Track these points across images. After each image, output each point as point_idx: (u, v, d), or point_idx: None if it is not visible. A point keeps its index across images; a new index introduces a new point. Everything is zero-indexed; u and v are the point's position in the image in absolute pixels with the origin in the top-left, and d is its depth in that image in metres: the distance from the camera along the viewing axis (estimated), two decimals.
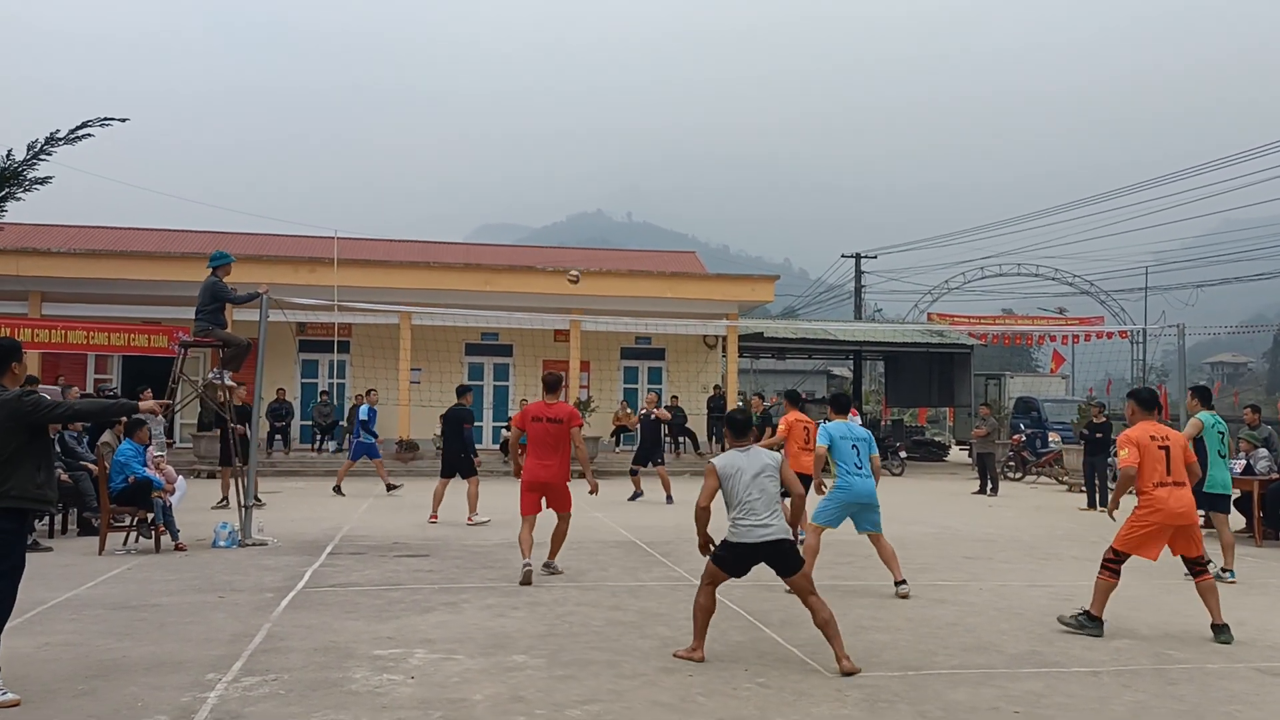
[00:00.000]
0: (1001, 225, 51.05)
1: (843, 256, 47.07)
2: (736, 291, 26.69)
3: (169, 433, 15.50)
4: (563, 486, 9.20)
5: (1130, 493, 7.33)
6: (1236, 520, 13.90)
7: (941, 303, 44.24)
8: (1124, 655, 6.61)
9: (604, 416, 25.66)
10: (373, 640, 6.68)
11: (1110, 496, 7.62)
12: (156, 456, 11.42)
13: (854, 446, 8.72)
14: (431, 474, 22.39)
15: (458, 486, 13.86)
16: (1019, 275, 44.83)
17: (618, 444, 25.66)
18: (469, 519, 13.24)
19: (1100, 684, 5.92)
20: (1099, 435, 17.46)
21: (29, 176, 17.06)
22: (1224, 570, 9.50)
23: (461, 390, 14.44)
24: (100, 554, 10.32)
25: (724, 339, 27.75)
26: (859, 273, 45.21)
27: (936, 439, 35.88)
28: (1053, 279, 44.54)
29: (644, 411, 17.91)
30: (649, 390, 23.81)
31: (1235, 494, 13.79)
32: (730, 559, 6.34)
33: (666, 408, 26.45)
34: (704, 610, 6.41)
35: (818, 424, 9.55)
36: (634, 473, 17.20)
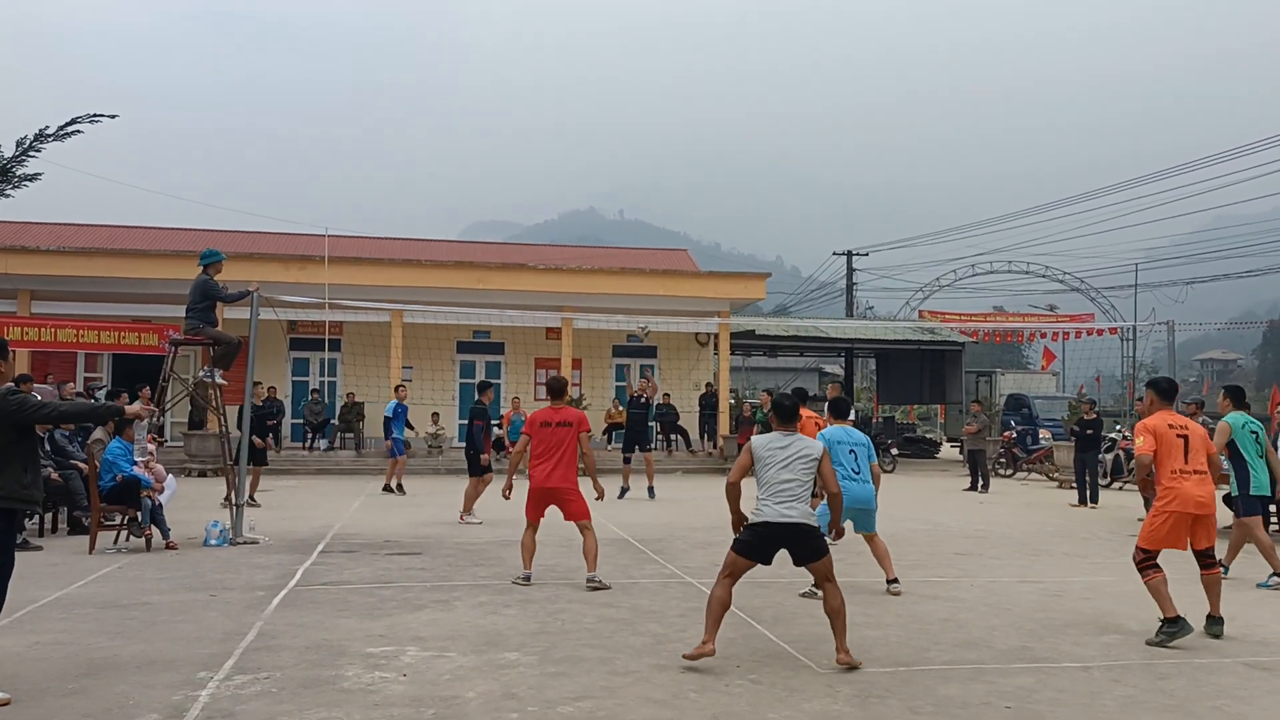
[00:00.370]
0: (992, 222, 51.16)
1: (834, 254, 47.15)
2: (728, 289, 26.74)
3: (160, 431, 15.43)
4: (574, 493, 8.80)
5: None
6: (1225, 516, 13.98)
7: (932, 300, 44.38)
8: (1114, 650, 6.64)
9: (596, 414, 25.67)
10: (365, 638, 6.68)
11: (1139, 487, 7.55)
12: (146, 456, 11.36)
13: (851, 451, 8.71)
14: (424, 470, 22.47)
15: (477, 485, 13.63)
16: (1010, 273, 44.95)
17: (610, 441, 25.68)
18: (460, 517, 13.20)
19: (1090, 679, 5.95)
20: (1090, 432, 17.52)
21: (18, 173, 16.98)
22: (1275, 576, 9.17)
23: (481, 387, 14.19)
24: (90, 553, 10.30)
25: (716, 337, 27.79)
26: (850, 270, 45.28)
27: (927, 436, 36.04)
28: (1043, 276, 44.68)
29: (635, 394, 17.89)
30: (642, 377, 23.74)
31: (1224, 489, 13.88)
32: (753, 542, 6.20)
33: (658, 405, 26.53)
34: (719, 603, 6.24)
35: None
36: (626, 461, 17.19)
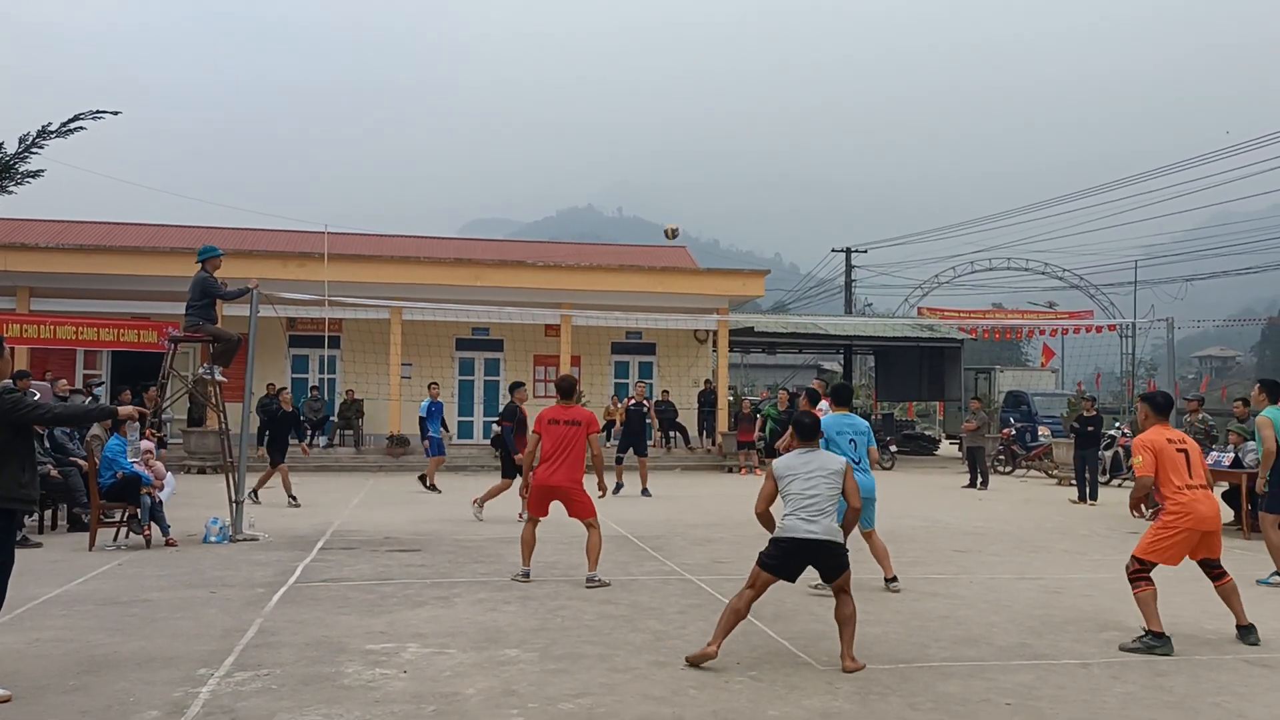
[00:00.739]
0: (991, 220, 51.20)
1: (833, 251, 47.16)
2: (727, 286, 26.73)
3: (159, 428, 15.39)
4: (578, 491, 8.68)
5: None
6: (1225, 513, 14.00)
7: (931, 297, 44.38)
8: (1114, 647, 6.64)
9: (595, 411, 25.65)
10: (365, 635, 6.68)
11: (1129, 502, 7.15)
12: (145, 453, 11.36)
13: (852, 440, 8.59)
14: (423, 467, 22.43)
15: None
16: (1009, 270, 45.01)
17: (608, 438, 25.68)
18: (476, 501, 13.12)
19: (1090, 676, 5.96)
20: (1089, 429, 17.54)
21: (20, 170, 16.96)
22: None
23: (513, 387, 13.94)
24: (90, 550, 10.30)
25: (714, 334, 27.79)
26: (849, 267, 45.29)
27: (926, 433, 36.03)
28: (1042, 273, 44.71)
29: (633, 402, 17.92)
30: (639, 382, 23.76)
31: (1224, 487, 13.90)
32: (779, 558, 6.14)
33: (657, 402, 26.52)
34: (734, 613, 6.16)
35: None
36: (619, 461, 17.21)
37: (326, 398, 25.25)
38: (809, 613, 7.56)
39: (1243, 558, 10.86)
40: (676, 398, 26.65)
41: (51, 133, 16.24)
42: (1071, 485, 18.58)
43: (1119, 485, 20.41)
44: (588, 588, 8.45)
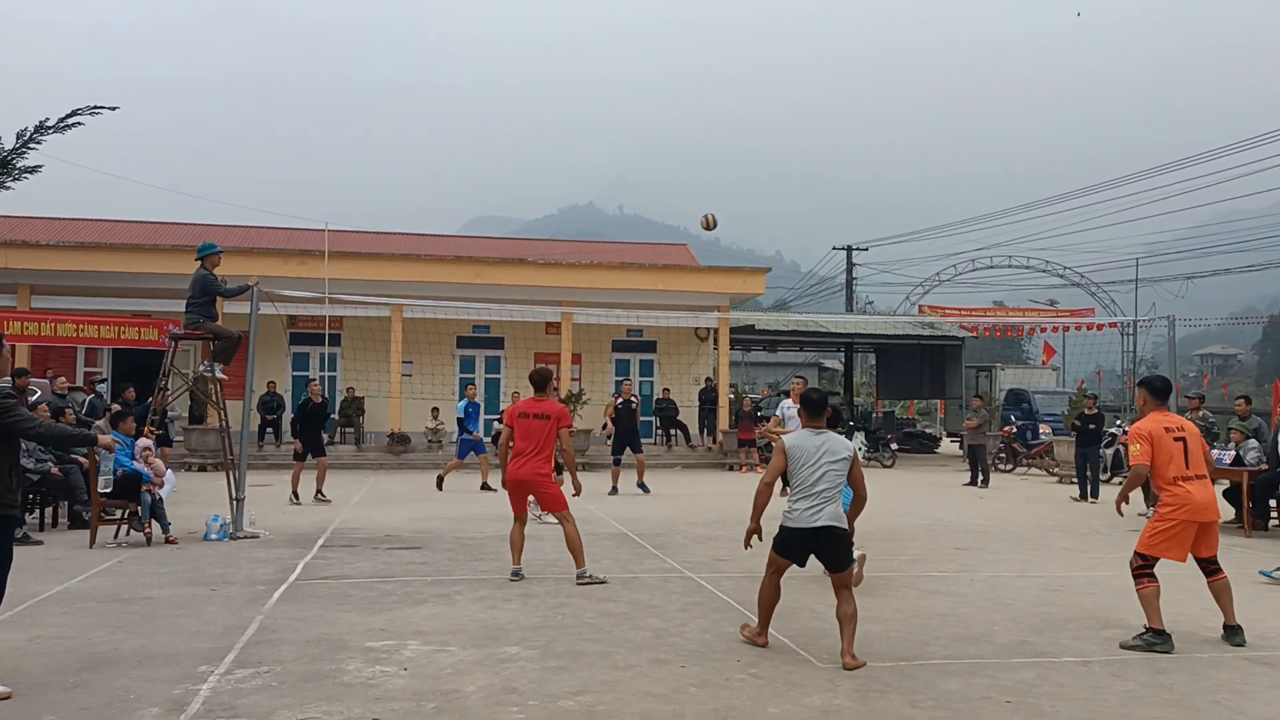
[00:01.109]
0: (993, 217, 51.09)
1: (834, 249, 47.09)
2: (728, 284, 26.72)
3: (162, 426, 15.40)
4: (548, 485, 8.73)
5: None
6: (1225, 511, 14.01)
7: (933, 295, 44.36)
8: (1115, 645, 6.63)
9: (596, 409, 25.67)
10: (365, 632, 6.68)
11: (1119, 492, 7.06)
12: (144, 450, 11.36)
13: None
14: (424, 465, 22.48)
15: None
16: (1010, 267, 44.98)
17: (609, 436, 25.68)
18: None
19: (1091, 674, 5.95)
20: (1091, 426, 17.53)
21: (18, 165, 16.98)
22: None
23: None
24: (91, 547, 10.31)
25: (715, 331, 27.78)
26: (850, 265, 45.25)
27: (927, 431, 36.04)
28: (1044, 271, 44.69)
29: (621, 400, 17.90)
30: (625, 380, 23.71)
31: (1224, 484, 13.89)
32: (787, 543, 6.25)
33: (658, 400, 26.53)
34: (766, 602, 6.39)
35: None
36: (616, 462, 17.18)
37: (327, 395, 25.24)
38: (809, 610, 7.56)
39: (1243, 555, 10.86)
40: (677, 395, 26.65)
41: (49, 128, 16.25)
42: (1072, 483, 18.57)
43: (1120, 483, 20.39)
44: (579, 585, 8.39)
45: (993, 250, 46.58)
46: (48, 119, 16.87)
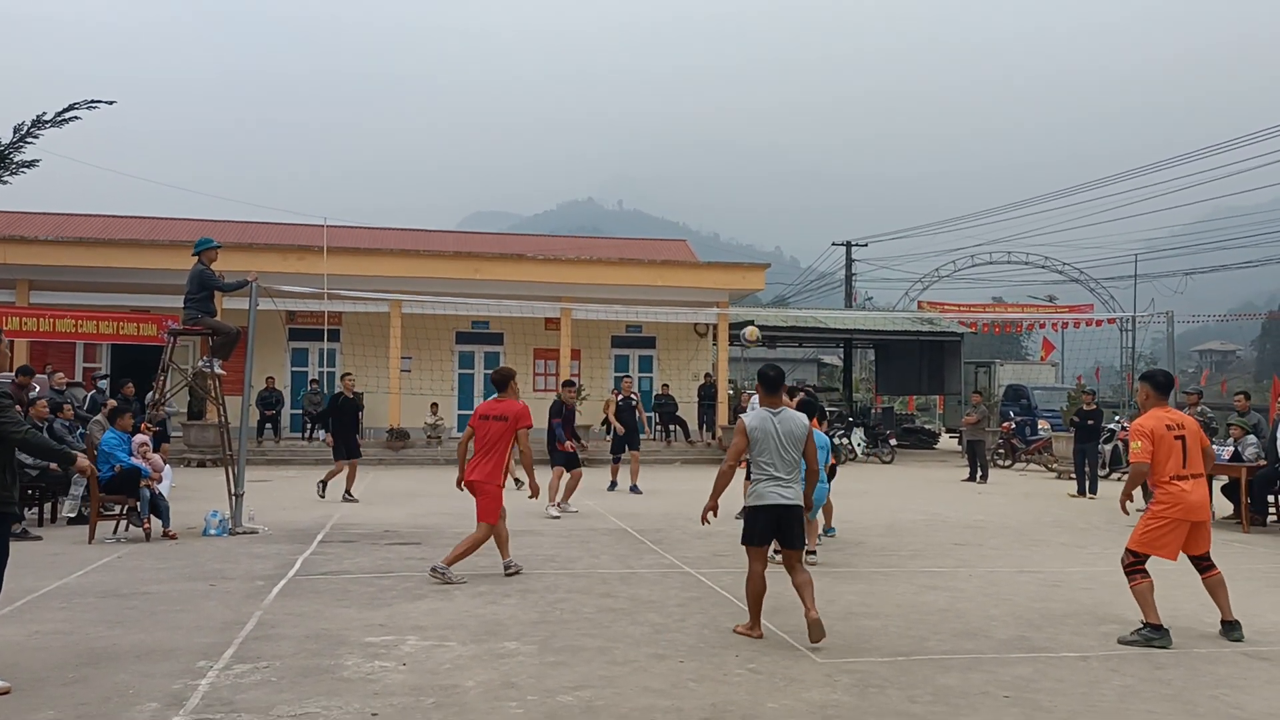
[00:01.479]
0: (992, 213, 51.18)
1: (833, 244, 47.10)
2: (727, 280, 26.71)
3: (160, 423, 15.37)
4: (490, 490, 8.45)
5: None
6: (1224, 507, 14.02)
7: (932, 290, 44.37)
8: (1112, 640, 6.64)
9: (595, 405, 25.66)
10: (364, 627, 6.68)
11: (1122, 491, 7.05)
12: (141, 446, 11.35)
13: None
14: (423, 461, 22.49)
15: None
16: (1009, 263, 44.97)
17: (608, 432, 25.66)
18: (555, 504, 13.42)
19: (1089, 669, 5.96)
20: (1090, 422, 17.54)
21: (16, 160, 16.96)
22: None
23: (565, 385, 15.27)
24: (90, 542, 10.31)
25: (714, 327, 27.77)
26: (849, 261, 45.25)
27: (926, 426, 36.00)
28: (1043, 267, 44.67)
29: (621, 398, 17.88)
30: (625, 377, 23.68)
31: (1223, 480, 13.91)
32: (757, 528, 6.45)
33: (658, 396, 26.51)
34: (754, 593, 6.54)
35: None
36: (616, 460, 17.17)
37: (326, 391, 25.24)
38: None
39: (1242, 552, 10.88)
40: (676, 391, 26.64)
41: (46, 122, 16.23)
42: (1071, 479, 18.58)
43: (1118, 479, 20.42)
44: (430, 573, 8.34)
45: (992, 246, 46.62)
46: (45, 113, 16.86)
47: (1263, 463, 12.99)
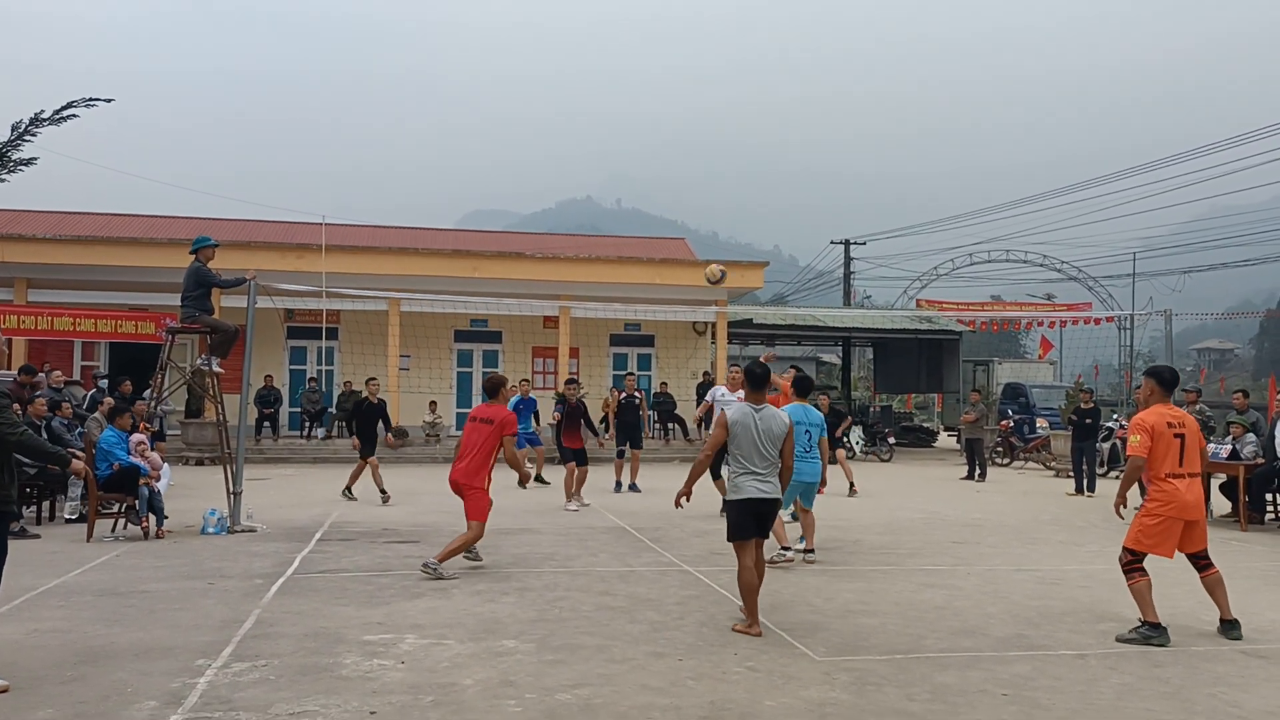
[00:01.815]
0: (990, 212, 51.24)
1: (832, 243, 47.09)
2: (726, 278, 26.64)
3: (155, 421, 15.35)
4: (476, 490, 8.80)
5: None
6: (1222, 505, 14.03)
7: (930, 289, 44.40)
8: (1110, 638, 6.65)
9: (593, 403, 25.64)
10: (363, 626, 6.68)
11: (1118, 489, 7.05)
12: (138, 445, 11.34)
13: (807, 432, 9.11)
14: (422, 459, 22.48)
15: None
16: (1007, 262, 44.98)
17: (607, 430, 25.64)
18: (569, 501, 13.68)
19: (1087, 666, 5.96)
20: (1088, 421, 17.55)
21: (13, 158, 16.94)
22: None
23: (567, 382, 15.95)
24: (88, 541, 10.30)
25: (713, 326, 27.75)
26: (848, 259, 45.25)
27: (925, 425, 36.01)
28: (1041, 265, 44.68)
29: (624, 396, 17.88)
30: (629, 375, 23.64)
31: (1221, 478, 13.92)
32: (741, 521, 6.64)
33: (656, 394, 26.51)
34: (747, 585, 6.65)
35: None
36: (621, 455, 17.18)
37: (324, 389, 25.25)
38: (805, 604, 7.57)
39: (1239, 550, 10.89)
40: (675, 389, 26.63)
41: (44, 120, 16.20)
42: (1069, 477, 18.59)
43: (1116, 477, 20.42)
44: (421, 568, 8.56)
45: (990, 245, 46.77)
46: (42, 111, 16.84)
47: (1261, 461, 13.00)
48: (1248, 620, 7.06)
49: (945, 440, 34.28)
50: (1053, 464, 22.43)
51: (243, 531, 11.02)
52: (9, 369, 14.99)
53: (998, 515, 13.83)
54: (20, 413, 9.62)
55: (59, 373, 16.33)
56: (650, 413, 25.97)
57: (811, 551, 9.40)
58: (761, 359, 7.44)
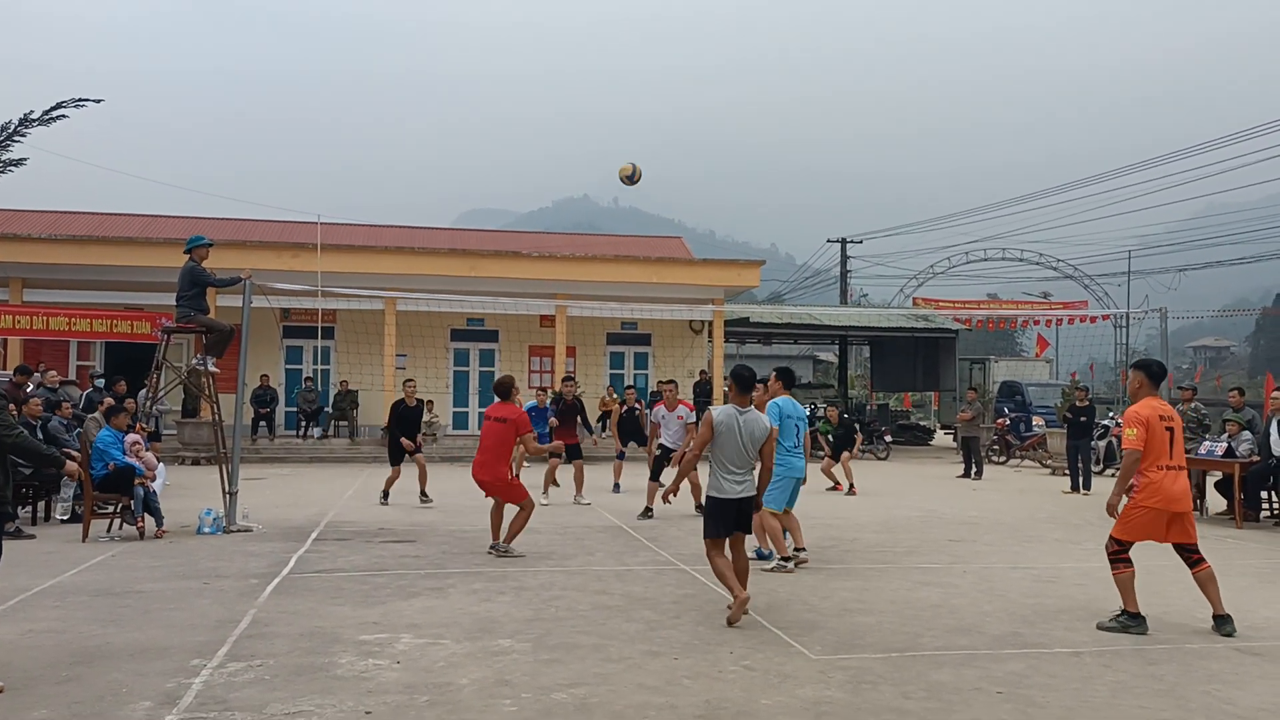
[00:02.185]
0: (986, 210, 51.24)
1: (828, 241, 47.13)
2: (723, 276, 26.69)
3: (152, 421, 15.32)
4: (503, 485, 9.57)
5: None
6: (1218, 503, 14.06)
7: (927, 287, 44.40)
8: (1105, 636, 6.66)
9: (590, 402, 25.62)
10: (358, 625, 6.68)
11: (1115, 485, 7.00)
12: (133, 445, 11.33)
13: (796, 426, 9.10)
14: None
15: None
16: (1004, 260, 44.99)
17: (603, 429, 25.64)
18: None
19: (1082, 664, 5.97)
20: (1082, 418, 17.56)
21: (3, 159, 16.90)
22: None
23: (564, 380, 15.99)
24: (84, 541, 10.28)
25: (710, 324, 27.76)
26: (844, 257, 45.28)
27: (921, 423, 36.07)
28: (1037, 264, 44.71)
29: (625, 409, 17.92)
30: (629, 387, 23.60)
31: (1216, 476, 13.93)
32: (717, 518, 6.86)
33: (652, 393, 26.48)
34: (721, 570, 6.91)
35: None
36: (620, 456, 17.19)
37: (320, 389, 25.22)
38: (802, 602, 7.57)
39: (1235, 548, 10.91)
40: None
41: (34, 121, 16.16)
42: (1065, 475, 18.62)
43: (1111, 475, 20.45)
44: (489, 550, 9.51)
45: (986, 243, 46.87)
46: (32, 111, 16.82)
47: (1256, 458, 13.02)
48: (1243, 618, 7.07)
49: (942, 438, 34.32)
50: (1049, 462, 22.45)
51: (238, 531, 11.00)
52: (4, 369, 14.97)
53: (994, 513, 13.85)
54: (16, 413, 9.63)
55: (54, 372, 16.31)
56: (647, 412, 25.95)
57: (802, 550, 9.25)
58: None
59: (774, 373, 9.39)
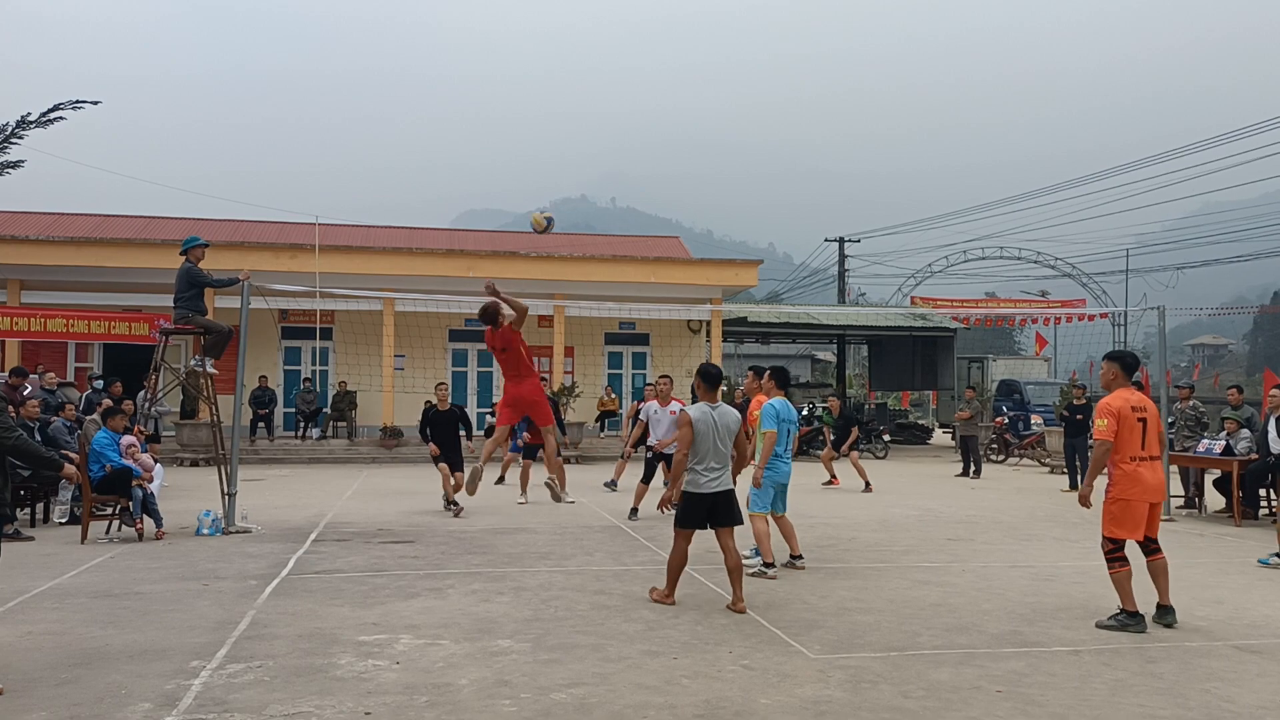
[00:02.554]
0: (984, 209, 51.27)
1: (826, 240, 47.15)
2: (720, 276, 26.69)
3: (150, 424, 15.30)
4: (540, 400, 9.94)
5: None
6: (1216, 500, 14.07)
7: (925, 286, 44.46)
8: (1104, 634, 6.67)
9: (588, 402, 25.66)
10: (357, 626, 6.68)
11: (1086, 475, 7.12)
12: (129, 447, 11.31)
13: (788, 431, 8.96)
14: (418, 459, 22.45)
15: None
16: (1001, 258, 45.03)
17: (602, 429, 25.68)
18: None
19: (1081, 663, 5.98)
20: (1080, 417, 17.57)
21: (0, 161, 16.89)
22: None
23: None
24: (83, 542, 10.28)
25: (708, 324, 27.76)
26: (842, 257, 45.28)
27: (920, 422, 36.07)
28: (1035, 262, 44.76)
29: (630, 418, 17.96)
30: (635, 403, 23.45)
31: (1215, 474, 13.95)
32: (694, 513, 7.12)
33: (645, 385, 26.49)
34: (676, 566, 7.33)
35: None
36: (623, 457, 17.19)
37: (319, 389, 25.21)
38: (801, 602, 7.58)
39: (1234, 546, 10.92)
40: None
41: (31, 123, 16.15)
42: (1063, 474, 18.63)
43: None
44: (546, 485, 10.06)
45: (984, 242, 46.86)
46: (29, 114, 16.81)
47: (1254, 456, 13.03)
48: (1241, 616, 7.08)
49: (940, 437, 34.32)
50: (1047, 460, 22.47)
51: (237, 532, 11.00)
52: (1, 371, 14.96)
53: (992, 512, 13.86)
54: (14, 415, 9.61)
55: (52, 374, 16.30)
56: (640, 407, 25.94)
57: (800, 557, 9.06)
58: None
59: (768, 371, 9.28)
